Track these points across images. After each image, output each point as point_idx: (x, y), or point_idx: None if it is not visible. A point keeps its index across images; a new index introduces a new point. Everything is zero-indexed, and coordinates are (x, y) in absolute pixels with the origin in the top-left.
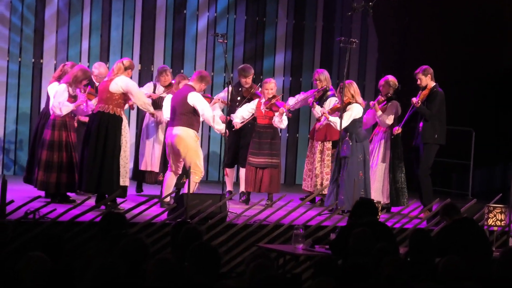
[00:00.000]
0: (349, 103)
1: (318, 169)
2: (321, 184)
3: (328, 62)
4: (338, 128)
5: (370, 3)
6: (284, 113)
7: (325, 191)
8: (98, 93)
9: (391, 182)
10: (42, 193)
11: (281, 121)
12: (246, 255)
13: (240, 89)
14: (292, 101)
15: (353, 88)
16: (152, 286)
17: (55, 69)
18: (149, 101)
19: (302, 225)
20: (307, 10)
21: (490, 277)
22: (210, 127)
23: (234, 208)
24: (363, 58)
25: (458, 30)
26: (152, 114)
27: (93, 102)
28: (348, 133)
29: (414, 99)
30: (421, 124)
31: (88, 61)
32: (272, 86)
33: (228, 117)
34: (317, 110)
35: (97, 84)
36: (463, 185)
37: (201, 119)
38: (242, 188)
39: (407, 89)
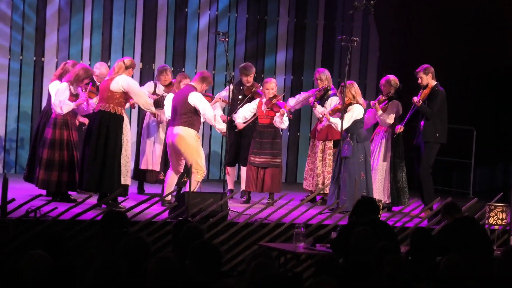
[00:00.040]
0: (350, 104)
1: (320, 168)
2: (323, 183)
3: (329, 61)
4: (339, 129)
5: (372, 2)
6: (285, 114)
7: (326, 190)
8: (99, 92)
9: (392, 182)
10: (43, 191)
11: (282, 122)
12: (247, 254)
13: (241, 87)
14: (293, 101)
15: (354, 88)
16: (153, 285)
17: (56, 68)
18: (151, 100)
19: (303, 223)
20: (309, 9)
21: (491, 276)
22: (211, 126)
23: (235, 206)
24: (364, 56)
25: (458, 30)
26: (153, 114)
27: (94, 101)
28: (349, 134)
29: (415, 98)
30: (422, 123)
31: (90, 60)
32: (272, 86)
33: (229, 117)
34: (318, 110)
35: (98, 84)
36: (464, 184)
37: (202, 120)
38: (243, 186)
39: (408, 88)
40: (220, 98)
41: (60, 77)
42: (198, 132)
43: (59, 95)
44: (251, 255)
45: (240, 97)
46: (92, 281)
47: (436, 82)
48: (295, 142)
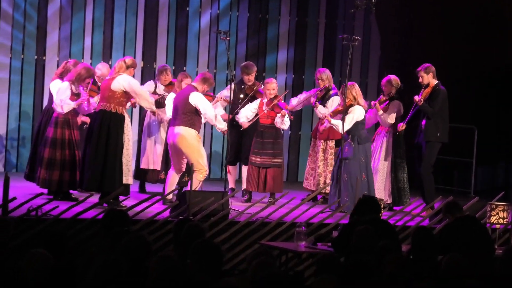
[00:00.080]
0: (351, 105)
1: (321, 168)
2: (324, 183)
3: (330, 59)
4: (341, 131)
5: (373, 1)
6: (286, 115)
7: (327, 189)
8: (100, 92)
9: (393, 182)
10: (45, 190)
11: (283, 123)
12: (249, 253)
13: (242, 86)
14: (295, 101)
15: (355, 89)
16: (154, 284)
17: (57, 66)
18: (152, 100)
19: (304, 222)
20: (310, 7)
21: (493, 275)
22: (212, 125)
23: (236, 205)
24: (366, 55)
25: (459, 29)
26: (154, 113)
27: (95, 100)
28: (350, 135)
29: (416, 97)
30: (423, 122)
31: (91, 58)
32: (273, 86)
33: (230, 116)
34: (320, 110)
35: (99, 84)
36: (466, 183)
37: (203, 120)
38: (244, 185)
39: (409, 87)
40: (221, 97)
41: (61, 76)
42: (198, 132)
43: (60, 94)
44: (252, 254)
45: (241, 96)
46: (93, 280)
47: (437, 81)
48: (296, 141)
